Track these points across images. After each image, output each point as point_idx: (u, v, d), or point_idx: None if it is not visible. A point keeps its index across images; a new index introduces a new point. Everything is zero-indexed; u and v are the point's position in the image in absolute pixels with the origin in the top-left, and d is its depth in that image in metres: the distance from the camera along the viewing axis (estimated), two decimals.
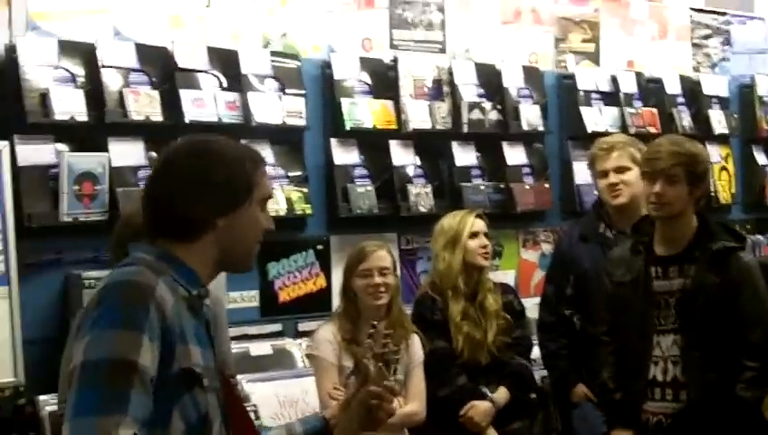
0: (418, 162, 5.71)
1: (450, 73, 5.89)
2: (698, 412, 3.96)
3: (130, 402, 2.05)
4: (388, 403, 2.69)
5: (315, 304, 5.40)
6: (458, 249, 4.68)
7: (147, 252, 2.32)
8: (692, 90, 7.05)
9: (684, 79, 7.06)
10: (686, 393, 3.99)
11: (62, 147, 4.54)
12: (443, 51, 6.17)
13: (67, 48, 4.63)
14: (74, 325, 2.35)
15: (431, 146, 5.83)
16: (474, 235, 4.71)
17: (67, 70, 4.59)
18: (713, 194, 6.89)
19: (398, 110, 5.57)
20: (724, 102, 7.20)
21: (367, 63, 5.63)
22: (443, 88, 5.85)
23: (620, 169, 4.69)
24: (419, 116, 5.62)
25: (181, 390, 2.20)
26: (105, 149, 4.59)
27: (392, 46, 5.95)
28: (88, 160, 4.50)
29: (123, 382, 2.06)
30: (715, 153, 6.96)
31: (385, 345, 3.26)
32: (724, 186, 7.09)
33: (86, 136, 4.64)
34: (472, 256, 4.69)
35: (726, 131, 7.08)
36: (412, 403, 4.35)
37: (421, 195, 5.57)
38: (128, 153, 4.66)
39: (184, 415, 2.21)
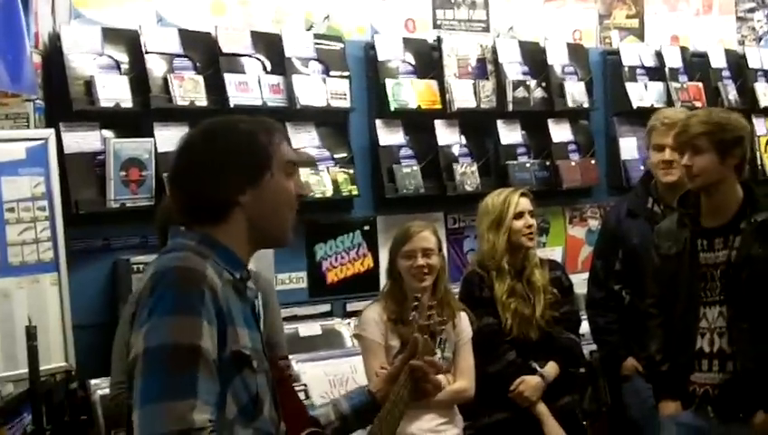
0: (464, 141, 5.55)
1: (494, 52, 5.70)
2: (746, 382, 3.82)
3: (199, 386, 2.02)
4: (433, 376, 2.65)
5: (363, 284, 5.27)
6: (503, 230, 4.51)
7: (187, 238, 2.26)
8: (737, 63, 6.80)
9: (729, 52, 6.81)
10: (733, 364, 3.86)
11: (107, 133, 4.44)
12: (486, 30, 6.01)
13: (111, 35, 4.52)
14: (126, 312, 2.33)
15: (476, 125, 5.66)
16: (519, 215, 4.54)
17: (111, 57, 4.48)
18: (760, 167, 6.67)
19: (443, 89, 5.40)
20: None
21: (410, 44, 5.46)
22: (487, 67, 5.67)
23: None
24: (464, 95, 5.45)
25: (233, 372, 2.15)
26: (151, 135, 4.48)
27: (435, 26, 5.80)
28: (134, 146, 4.39)
29: (189, 367, 2.03)
30: (761, 126, 6.75)
31: (430, 317, 3.16)
32: None
33: (131, 122, 4.54)
34: (517, 236, 4.51)
35: None
36: (461, 380, 4.23)
37: (467, 174, 5.42)
38: (173, 138, 4.49)
39: (236, 397, 2.16)
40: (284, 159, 2.31)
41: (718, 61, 6.70)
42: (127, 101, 4.43)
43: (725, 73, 6.69)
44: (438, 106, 5.39)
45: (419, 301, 3.68)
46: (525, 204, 4.56)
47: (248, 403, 2.20)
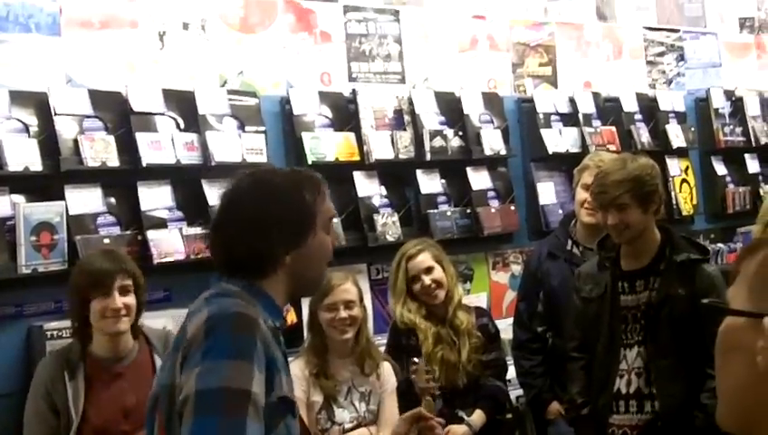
0: (384, 192, 5.41)
1: (411, 103, 5.59)
2: (665, 422, 3.81)
3: (248, 430, 2.05)
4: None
5: (287, 339, 5.02)
6: (401, 301, 4.49)
7: (232, 286, 2.32)
8: (649, 106, 6.80)
9: (640, 96, 6.81)
10: (651, 404, 3.84)
11: (17, 198, 4.20)
12: (402, 81, 5.89)
13: (18, 98, 4.30)
14: (166, 355, 2.37)
15: (395, 175, 5.53)
16: (413, 279, 4.45)
17: (19, 120, 4.26)
18: (675, 206, 6.67)
19: (360, 141, 5.26)
20: (680, 117, 6.95)
21: (326, 97, 5.32)
22: (404, 117, 5.56)
23: None
24: (382, 146, 5.32)
25: (278, 418, 2.20)
26: (62, 198, 4.25)
27: (351, 79, 5.66)
28: (44, 210, 4.16)
29: (240, 411, 2.06)
30: (675, 166, 6.77)
31: (428, 381, 3.16)
32: (685, 198, 6.85)
33: (41, 185, 4.31)
34: (420, 296, 4.49)
35: (685, 145, 6.82)
36: (384, 432, 4.07)
37: (388, 224, 5.27)
38: (85, 200, 4.33)
39: None
40: (326, 216, 2.41)
41: (630, 105, 6.69)
42: (36, 165, 4.21)
43: (638, 117, 6.69)
44: (357, 158, 5.25)
45: (417, 365, 3.61)
46: (417, 265, 4.47)
47: None
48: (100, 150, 4.33)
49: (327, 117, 5.26)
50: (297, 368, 4.01)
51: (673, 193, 6.65)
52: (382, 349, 4.50)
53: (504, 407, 4.65)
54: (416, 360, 3.76)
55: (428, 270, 4.47)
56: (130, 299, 3.70)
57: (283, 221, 2.31)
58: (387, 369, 4.21)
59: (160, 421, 2.26)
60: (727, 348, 1.31)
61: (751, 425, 1.29)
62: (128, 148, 4.43)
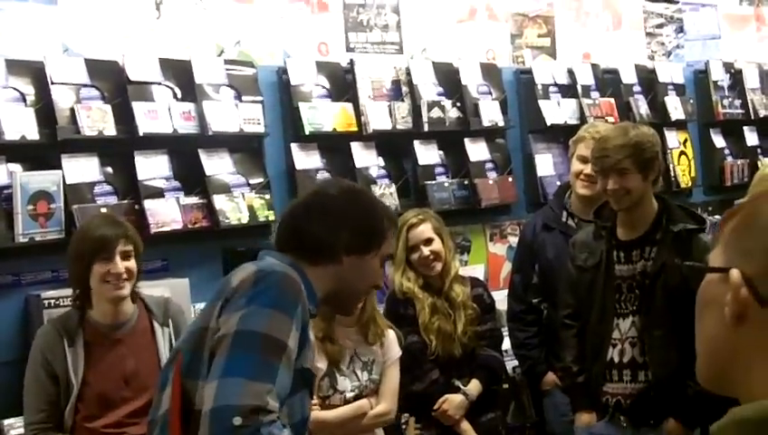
0: (381, 163, 5.40)
1: (408, 74, 5.57)
2: (658, 390, 3.83)
3: (278, 377, 2.13)
4: None
5: None
6: (406, 271, 4.48)
7: (279, 259, 2.41)
8: (648, 78, 6.78)
9: (639, 68, 6.79)
10: (644, 373, 3.87)
11: (14, 167, 4.19)
12: (400, 51, 5.89)
13: (15, 67, 4.29)
14: (205, 304, 2.43)
15: (393, 146, 5.52)
16: (412, 249, 4.46)
17: (16, 89, 4.25)
18: (673, 178, 6.67)
19: (358, 112, 5.25)
20: (679, 89, 6.95)
21: (323, 67, 5.30)
22: (402, 88, 5.55)
23: None
24: (379, 117, 5.31)
25: (297, 387, 2.27)
26: (58, 167, 4.25)
27: (348, 49, 5.65)
28: (41, 179, 4.16)
29: (275, 357, 2.14)
30: (673, 139, 6.76)
31: None
32: (684, 170, 6.85)
33: (38, 155, 4.31)
34: (418, 266, 4.49)
35: (683, 117, 6.82)
36: (383, 403, 4.10)
37: (386, 195, 5.26)
38: (82, 169, 4.32)
39: (291, 411, 2.27)
40: (388, 250, 2.57)
41: (629, 76, 6.68)
42: (33, 134, 4.20)
43: (636, 88, 6.68)
44: (354, 128, 5.24)
45: (407, 423, 3.64)
46: (418, 235, 4.46)
47: (299, 423, 2.31)
48: (97, 120, 4.32)
49: (324, 87, 5.25)
50: None
51: (671, 165, 6.64)
52: None
53: (500, 377, 4.67)
54: (406, 415, 3.79)
55: (428, 241, 4.46)
56: (132, 264, 3.71)
57: (358, 227, 2.46)
58: (391, 337, 4.18)
59: (179, 363, 2.30)
60: (702, 305, 1.34)
61: (723, 381, 1.32)
62: (125, 117, 4.42)
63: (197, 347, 2.27)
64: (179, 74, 4.72)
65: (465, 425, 4.41)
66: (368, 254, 2.48)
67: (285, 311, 2.21)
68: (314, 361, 2.48)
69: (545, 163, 6.07)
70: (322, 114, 5.11)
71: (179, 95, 4.68)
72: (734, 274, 1.27)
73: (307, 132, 5.00)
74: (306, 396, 2.35)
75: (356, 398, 4.04)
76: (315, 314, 2.46)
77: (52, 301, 4.10)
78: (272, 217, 4.82)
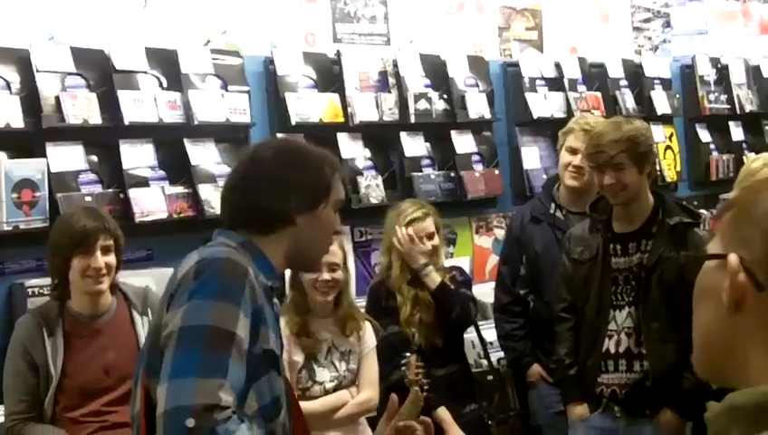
0: (368, 154, 5.40)
1: (395, 65, 5.56)
2: (654, 380, 3.85)
3: (228, 369, 2.07)
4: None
5: None
6: (396, 256, 4.46)
7: (230, 238, 2.37)
8: (634, 72, 6.80)
9: (626, 62, 6.81)
10: (640, 364, 3.88)
11: None
12: (387, 43, 5.88)
13: (0, 54, 4.27)
14: (163, 296, 2.34)
15: (380, 138, 5.52)
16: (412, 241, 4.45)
17: (1, 77, 4.22)
18: (659, 173, 6.67)
19: (345, 103, 5.24)
20: (666, 83, 6.97)
21: (310, 58, 5.29)
22: (389, 80, 5.53)
23: None
24: (366, 108, 5.30)
25: (261, 370, 2.22)
26: (43, 155, 4.23)
27: (336, 40, 5.65)
28: (26, 167, 4.13)
29: (223, 349, 2.09)
30: (659, 133, 6.76)
31: (418, 374, 3.49)
32: (669, 165, 6.88)
33: (23, 142, 4.28)
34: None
35: (669, 111, 6.84)
36: (366, 391, 4.13)
37: (372, 186, 5.27)
38: (67, 158, 4.30)
39: (259, 395, 2.23)
40: (338, 196, 2.48)
41: (615, 70, 6.69)
42: (18, 121, 4.17)
43: (623, 83, 6.70)
44: (341, 119, 5.23)
45: (408, 359, 3.63)
46: (423, 229, 4.45)
47: (269, 404, 2.26)
48: (83, 108, 4.30)
49: (311, 78, 5.24)
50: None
51: (657, 160, 6.64)
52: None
53: (470, 310, 4.56)
54: (407, 354, 3.76)
55: (430, 236, 4.46)
56: (111, 258, 3.69)
57: (302, 184, 2.40)
58: (368, 329, 4.21)
59: (145, 364, 2.28)
60: (700, 294, 1.34)
61: (720, 370, 1.32)
62: (110, 106, 4.41)
63: (154, 344, 2.23)
64: (165, 63, 4.70)
65: (445, 414, 4.30)
66: (318, 207, 2.42)
67: (230, 299, 2.15)
68: (283, 346, 2.44)
69: (532, 156, 6.07)
70: (309, 105, 5.10)
71: (165, 84, 4.66)
72: (733, 258, 1.27)
73: (293, 123, 4.99)
74: (275, 377, 2.29)
75: (335, 388, 4.05)
76: (277, 288, 2.44)
77: (36, 289, 4.09)
78: None
